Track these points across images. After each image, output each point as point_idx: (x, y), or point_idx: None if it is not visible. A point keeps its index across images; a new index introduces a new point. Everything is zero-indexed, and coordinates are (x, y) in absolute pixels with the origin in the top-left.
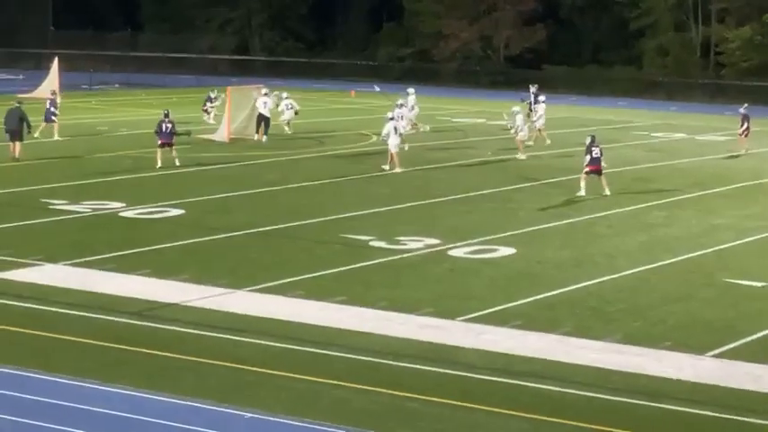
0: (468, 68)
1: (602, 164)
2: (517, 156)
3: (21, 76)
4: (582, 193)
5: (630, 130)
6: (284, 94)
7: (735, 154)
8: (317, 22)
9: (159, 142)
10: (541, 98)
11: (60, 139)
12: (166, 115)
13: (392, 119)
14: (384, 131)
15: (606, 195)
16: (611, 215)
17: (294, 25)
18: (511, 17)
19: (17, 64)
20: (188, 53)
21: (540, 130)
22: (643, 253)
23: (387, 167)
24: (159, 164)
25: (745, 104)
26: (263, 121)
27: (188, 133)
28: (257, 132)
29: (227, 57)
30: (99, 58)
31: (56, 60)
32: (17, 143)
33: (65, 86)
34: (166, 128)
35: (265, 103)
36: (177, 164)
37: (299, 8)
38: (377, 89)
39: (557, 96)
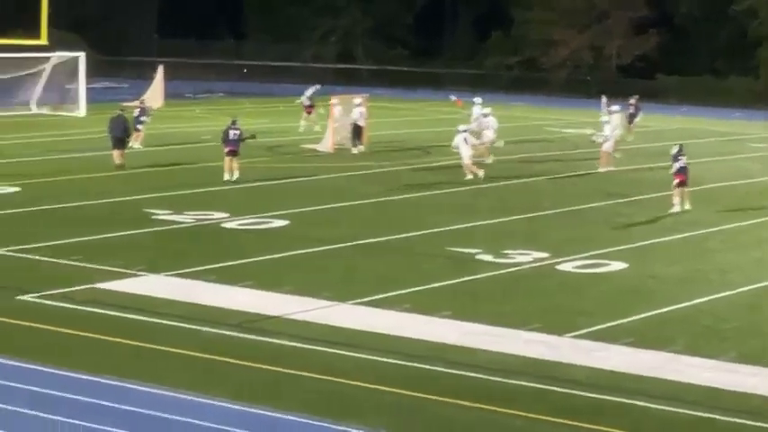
0: (577, 77)
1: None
2: (599, 168)
3: (125, 85)
4: (676, 209)
5: (746, 143)
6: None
7: None
8: (423, 31)
9: (226, 150)
10: (615, 108)
11: (142, 148)
12: (234, 122)
13: (464, 131)
14: (453, 143)
15: (687, 210)
16: (724, 230)
17: (399, 34)
18: (622, 25)
19: (121, 72)
20: (292, 62)
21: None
22: (758, 269)
23: (470, 176)
24: (227, 176)
25: None
26: (358, 131)
27: (253, 137)
28: (353, 143)
29: (331, 65)
30: (203, 66)
31: (160, 69)
32: (120, 151)
33: (169, 95)
34: (234, 134)
35: (361, 113)
36: (236, 177)
37: (404, 17)
38: (452, 98)
39: (669, 107)
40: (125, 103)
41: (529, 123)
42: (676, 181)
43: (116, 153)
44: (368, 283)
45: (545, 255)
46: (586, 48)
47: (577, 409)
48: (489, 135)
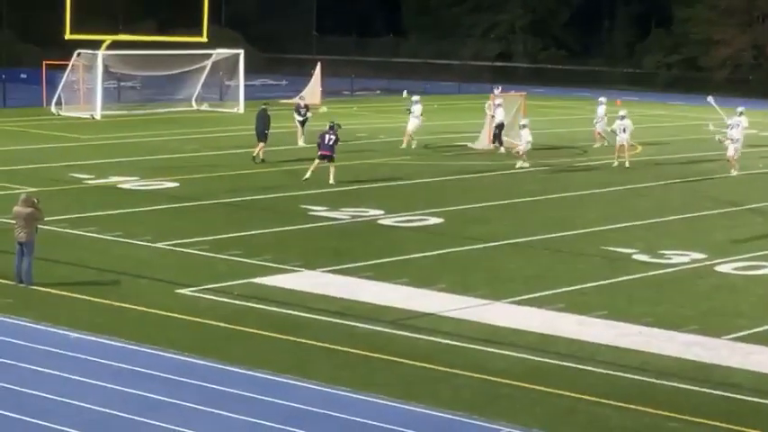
0: (738, 77)
1: None
2: (731, 173)
3: (284, 82)
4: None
5: None
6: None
7: None
8: (580, 29)
9: (319, 153)
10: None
11: (305, 145)
12: (331, 127)
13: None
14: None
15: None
16: None
17: (557, 32)
18: None
19: (280, 69)
20: (449, 59)
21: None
22: None
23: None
24: (308, 175)
25: None
26: (499, 129)
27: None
28: (493, 143)
29: (488, 63)
30: (361, 63)
31: (318, 66)
32: (261, 144)
33: (327, 92)
34: (329, 139)
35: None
36: (332, 182)
37: (561, 15)
38: (711, 101)
39: None
40: (284, 100)
41: (686, 123)
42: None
43: (258, 147)
44: (522, 281)
45: (703, 256)
46: (748, 47)
47: (735, 413)
48: (623, 137)
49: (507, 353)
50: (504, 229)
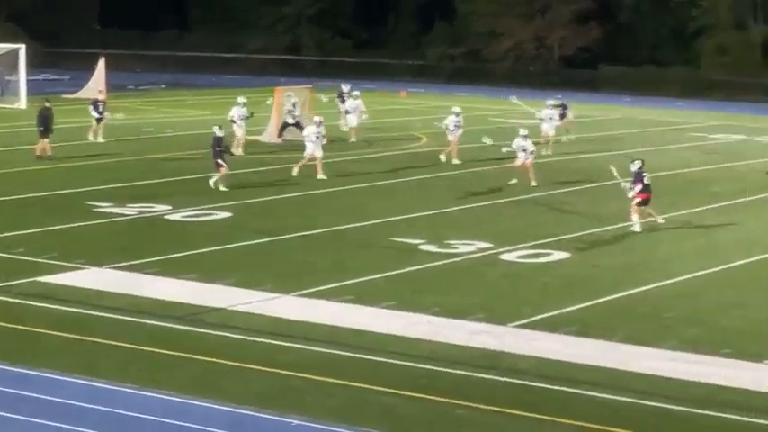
0: (520, 68)
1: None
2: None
3: (66, 77)
4: (637, 228)
5: (687, 132)
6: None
7: None
8: (366, 21)
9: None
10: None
11: (101, 141)
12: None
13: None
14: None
15: (662, 223)
16: (666, 219)
17: (343, 24)
18: (565, 16)
19: (63, 64)
20: (237, 53)
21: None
22: (699, 258)
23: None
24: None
25: None
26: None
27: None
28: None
29: (275, 56)
30: (146, 57)
31: (101, 60)
32: (45, 141)
33: (111, 86)
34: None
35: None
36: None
37: (347, 6)
38: (514, 99)
39: (611, 97)
40: (65, 95)
41: (473, 114)
42: (638, 200)
43: (41, 144)
44: (311, 274)
45: (489, 245)
46: (530, 39)
47: (521, 399)
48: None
49: (297, 346)
50: (292, 222)
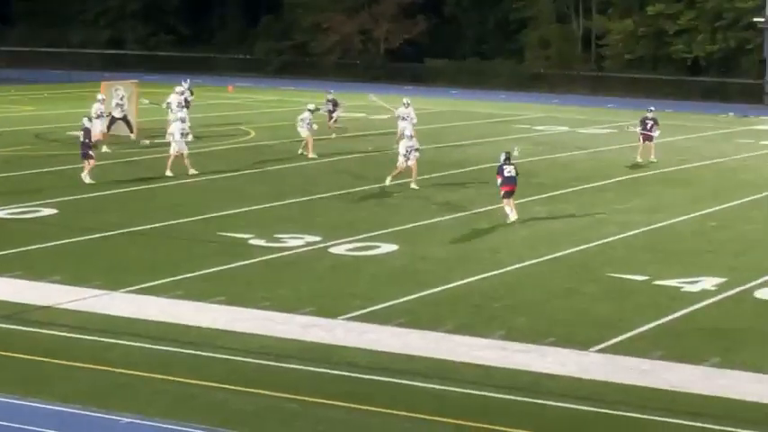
0: (347, 61)
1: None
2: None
3: None
4: (513, 217)
5: (513, 124)
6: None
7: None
8: (191, 15)
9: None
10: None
11: None
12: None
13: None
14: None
15: (513, 222)
16: (493, 210)
17: (169, 18)
18: (391, 9)
19: None
20: (60, 47)
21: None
22: (527, 248)
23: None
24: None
25: (652, 107)
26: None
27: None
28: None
29: (99, 51)
30: None
31: None
32: None
33: None
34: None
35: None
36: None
37: (173, 0)
38: (372, 98)
39: (438, 90)
40: None
41: (299, 108)
42: (502, 192)
43: None
44: (139, 270)
45: (318, 238)
46: (356, 33)
47: (352, 391)
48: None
49: (126, 343)
50: (119, 218)
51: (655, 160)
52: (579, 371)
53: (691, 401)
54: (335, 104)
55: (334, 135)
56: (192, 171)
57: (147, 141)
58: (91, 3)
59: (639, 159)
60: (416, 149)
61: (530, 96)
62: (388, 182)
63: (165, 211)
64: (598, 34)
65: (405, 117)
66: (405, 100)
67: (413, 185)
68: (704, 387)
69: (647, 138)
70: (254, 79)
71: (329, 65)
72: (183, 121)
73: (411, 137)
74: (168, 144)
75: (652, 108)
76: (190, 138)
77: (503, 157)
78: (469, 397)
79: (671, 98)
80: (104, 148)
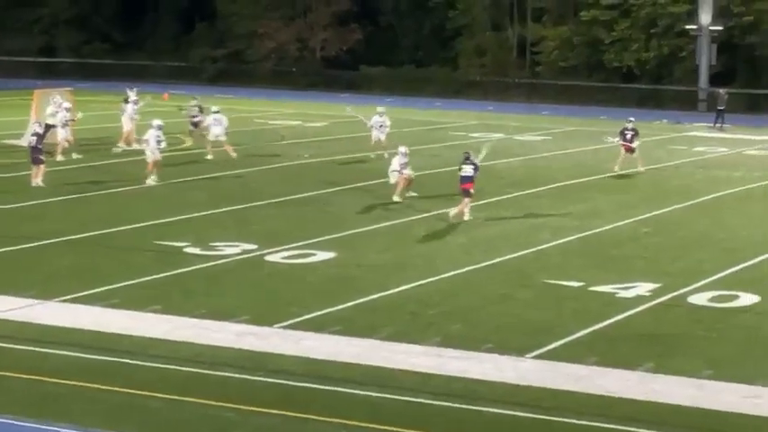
0: (283, 69)
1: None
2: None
3: None
4: (467, 217)
5: (448, 131)
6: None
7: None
8: (125, 23)
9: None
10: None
11: None
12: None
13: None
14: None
15: (465, 221)
16: (430, 217)
17: (102, 25)
18: (326, 18)
19: None
20: None
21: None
22: (463, 254)
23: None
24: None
25: (631, 118)
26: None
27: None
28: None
29: (31, 59)
30: None
31: None
32: None
33: None
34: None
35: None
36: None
37: (106, 8)
38: (350, 111)
39: (374, 97)
40: None
41: (236, 116)
42: (461, 189)
43: None
44: (74, 279)
45: (253, 246)
46: (292, 40)
47: (289, 399)
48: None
49: (61, 352)
50: (56, 227)
51: (642, 170)
52: (516, 377)
53: (626, 407)
54: (201, 110)
55: (188, 142)
56: (152, 178)
57: (120, 148)
58: (25, 11)
59: (617, 170)
60: (407, 164)
61: (465, 104)
62: (397, 198)
63: (100, 219)
64: (533, 42)
65: (378, 126)
66: (379, 109)
67: (395, 198)
68: (639, 392)
69: (629, 149)
70: (188, 87)
71: (265, 72)
72: (159, 128)
73: (405, 154)
74: (143, 152)
75: (632, 119)
76: (163, 145)
77: (463, 156)
78: (406, 404)
79: (605, 105)
80: (74, 155)
